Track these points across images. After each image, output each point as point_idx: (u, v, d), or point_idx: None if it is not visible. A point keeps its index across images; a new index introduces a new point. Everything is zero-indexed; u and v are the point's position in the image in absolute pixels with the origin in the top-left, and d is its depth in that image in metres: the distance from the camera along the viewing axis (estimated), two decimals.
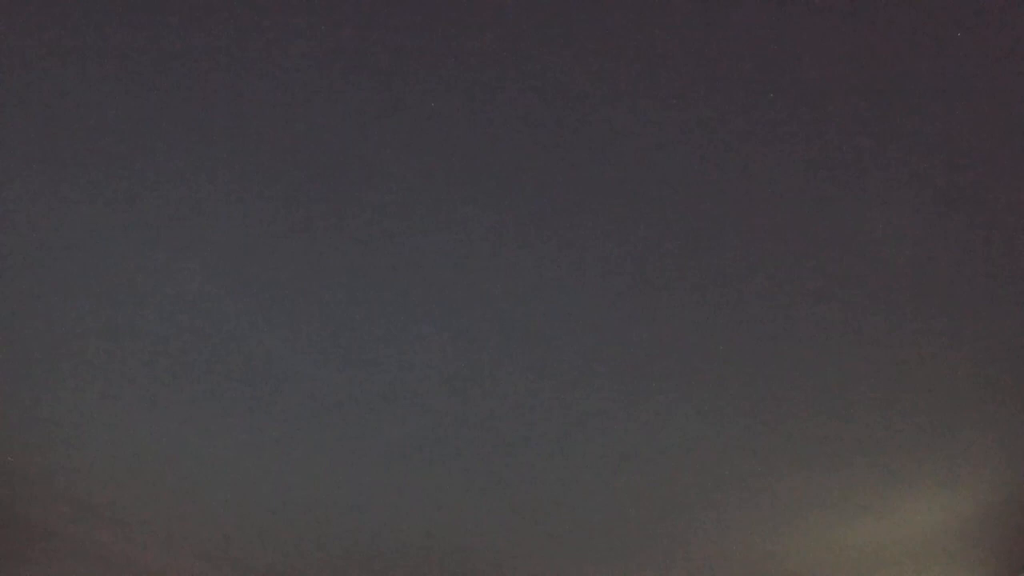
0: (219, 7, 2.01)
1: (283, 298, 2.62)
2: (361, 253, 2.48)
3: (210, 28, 2.04)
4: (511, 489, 3.25)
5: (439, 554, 3.70)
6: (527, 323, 2.61)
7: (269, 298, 2.62)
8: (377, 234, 2.42)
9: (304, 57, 2.08)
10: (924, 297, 2.39)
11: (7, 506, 3.56)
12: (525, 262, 2.45)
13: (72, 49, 2.09)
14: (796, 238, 2.29)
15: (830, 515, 3.16)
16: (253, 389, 2.92)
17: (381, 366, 2.79)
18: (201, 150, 2.28)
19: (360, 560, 3.83)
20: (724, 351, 2.62)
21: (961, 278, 2.34)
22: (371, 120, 2.18)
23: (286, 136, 2.24)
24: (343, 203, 2.36)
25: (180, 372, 2.89)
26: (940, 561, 3.32)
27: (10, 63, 2.13)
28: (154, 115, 2.21)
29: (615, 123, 2.12)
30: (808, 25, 1.92)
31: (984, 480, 2.93)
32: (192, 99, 2.18)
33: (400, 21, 2.00)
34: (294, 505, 3.52)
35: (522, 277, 2.49)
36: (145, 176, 2.35)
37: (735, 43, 1.97)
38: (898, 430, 2.79)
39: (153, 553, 3.94)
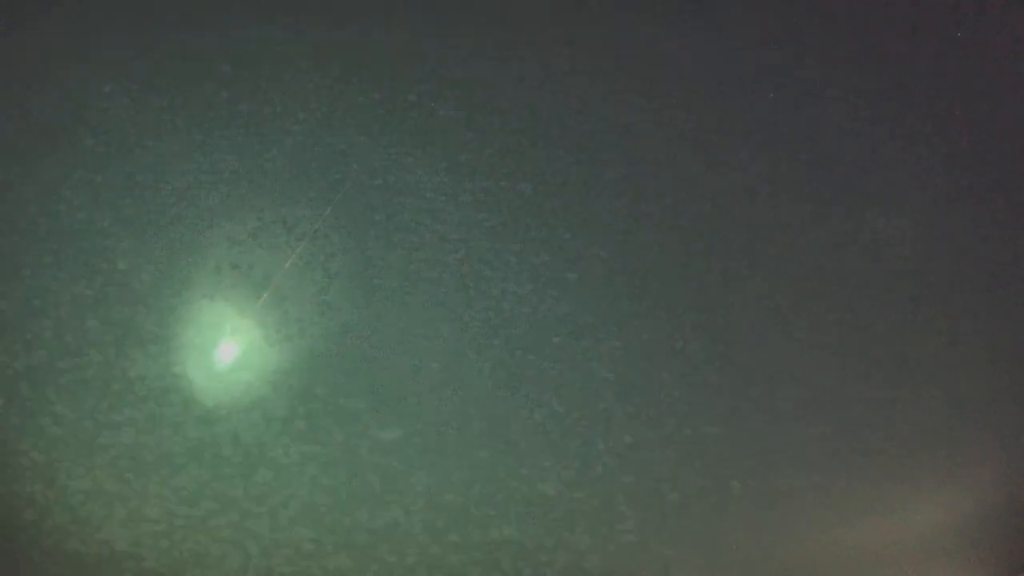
0: (220, 8, 2.01)
1: (283, 298, 2.62)
2: (361, 253, 2.48)
3: (211, 29, 2.04)
4: (509, 489, 3.25)
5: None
6: (527, 323, 2.61)
7: (269, 298, 2.62)
8: (378, 234, 2.42)
9: (304, 57, 2.08)
10: (924, 297, 2.39)
11: (7, 506, 3.55)
12: (525, 262, 2.45)
13: (72, 49, 2.09)
14: (796, 238, 2.29)
15: (830, 515, 3.16)
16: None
17: (381, 366, 2.79)
18: (201, 149, 2.28)
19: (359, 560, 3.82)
20: (724, 351, 2.61)
21: (961, 278, 2.33)
22: (371, 120, 2.18)
23: (286, 136, 2.24)
24: (343, 203, 2.36)
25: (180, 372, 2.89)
26: (940, 561, 3.32)
27: (10, 63, 2.12)
28: (155, 115, 2.21)
29: (615, 123, 2.12)
30: (808, 26, 1.92)
31: (984, 480, 2.92)
32: (193, 99, 2.18)
33: (400, 21, 2.00)
34: (294, 505, 3.51)
35: (522, 277, 2.49)
36: (145, 176, 2.35)
37: (735, 44, 1.96)
38: (898, 430, 2.79)
39: (153, 552, 3.93)
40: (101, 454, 2.77)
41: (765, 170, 2.18)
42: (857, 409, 2.75)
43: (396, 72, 2.10)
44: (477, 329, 2.67)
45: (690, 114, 2.10)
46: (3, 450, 2.89)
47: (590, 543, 3.50)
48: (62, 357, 2.87)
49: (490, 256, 2.46)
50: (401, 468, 3.11)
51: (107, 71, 2.23)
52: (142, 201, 2.47)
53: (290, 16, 2.38)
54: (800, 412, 2.78)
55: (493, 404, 2.89)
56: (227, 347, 2.67)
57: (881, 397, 2.70)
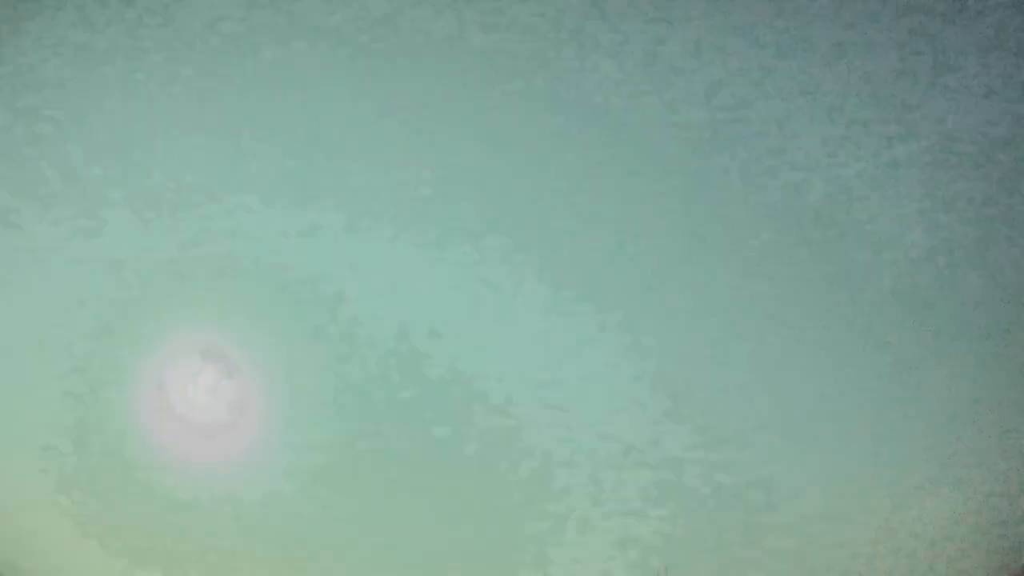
0: (221, 7, 2.01)
1: (283, 298, 2.62)
2: (362, 251, 2.48)
3: (212, 27, 2.04)
4: (507, 492, 3.24)
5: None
6: (526, 325, 2.61)
7: (269, 298, 2.62)
8: (377, 233, 2.43)
9: (303, 56, 2.08)
10: (924, 297, 2.39)
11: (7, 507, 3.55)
12: (524, 266, 2.45)
13: (74, 48, 2.09)
14: (796, 237, 2.29)
15: (830, 515, 3.16)
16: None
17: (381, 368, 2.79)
18: (202, 149, 2.28)
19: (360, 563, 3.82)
20: (724, 351, 2.62)
21: (961, 278, 2.34)
22: (370, 120, 2.18)
23: (288, 136, 2.24)
24: (344, 203, 2.36)
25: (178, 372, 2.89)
26: (940, 561, 3.32)
27: (12, 62, 2.13)
28: (155, 115, 2.22)
29: (616, 122, 2.12)
30: (808, 24, 1.92)
31: (984, 480, 2.93)
32: (193, 99, 2.18)
33: (401, 21, 2.00)
34: (293, 504, 3.51)
35: (522, 280, 2.49)
36: (144, 175, 2.35)
37: (735, 43, 1.97)
38: (898, 430, 2.79)
39: (152, 551, 3.93)
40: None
41: (766, 169, 2.18)
42: (857, 409, 2.75)
43: (396, 70, 2.10)
44: (474, 330, 2.67)
45: (691, 113, 2.10)
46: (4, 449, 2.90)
47: (589, 543, 3.50)
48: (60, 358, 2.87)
49: (494, 256, 2.46)
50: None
51: (106, 70, 2.24)
52: (142, 200, 2.47)
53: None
54: (800, 412, 2.78)
55: (493, 404, 2.89)
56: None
57: (881, 397, 2.70)
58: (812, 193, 2.21)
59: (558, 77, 2.08)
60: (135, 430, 2.75)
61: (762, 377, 2.69)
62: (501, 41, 2.04)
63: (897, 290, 2.39)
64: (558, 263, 2.44)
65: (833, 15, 1.94)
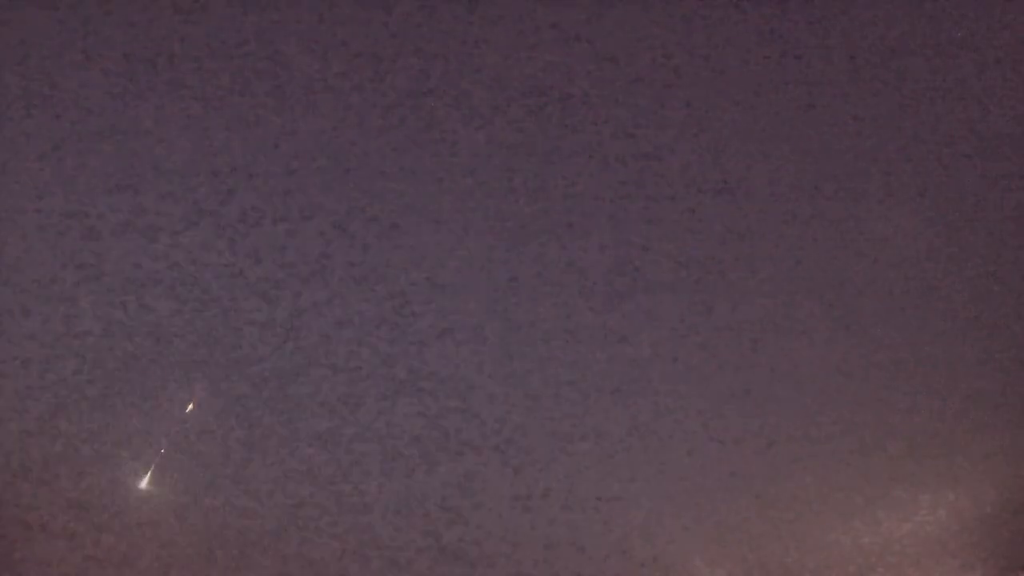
0: (221, 8, 2.01)
1: (284, 296, 2.62)
2: (362, 251, 2.48)
3: (212, 28, 2.04)
4: (506, 493, 3.25)
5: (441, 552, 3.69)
6: (527, 325, 2.61)
7: (270, 297, 2.63)
8: (377, 234, 2.43)
9: (303, 56, 2.08)
10: (924, 297, 2.40)
11: (7, 506, 3.55)
12: (523, 263, 2.45)
13: (75, 48, 2.09)
14: (797, 239, 2.29)
15: (830, 515, 3.16)
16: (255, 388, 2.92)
17: (381, 365, 2.80)
18: (202, 149, 2.29)
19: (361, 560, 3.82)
20: (725, 352, 2.62)
21: (961, 278, 2.34)
22: (371, 120, 2.18)
23: (289, 137, 2.24)
24: (345, 203, 2.36)
25: (180, 372, 2.90)
26: (940, 561, 3.32)
27: (12, 62, 2.13)
28: (156, 115, 2.22)
29: (615, 124, 2.12)
30: (809, 26, 1.93)
31: (984, 480, 2.93)
32: (193, 99, 2.18)
33: (401, 22, 2.01)
34: (293, 504, 3.51)
35: (521, 278, 2.49)
36: (146, 174, 2.36)
37: (737, 45, 1.97)
38: (898, 430, 2.79)
39: (153, 553, 3.93)
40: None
41: (768, 170, 2.18)
42: (857, 409, 2.75)
43: (396, 68, 2.10)
44: (472, 328, 2.67)
45: (692, 114, 2.10)
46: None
47: (590, 543, 3.50)
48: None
49: (488, 256, 2.47)
50: None
51: (105, 68, 2.24)
52: (139, 198, 2.48)
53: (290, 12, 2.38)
54: (801, 413, 2.79)
55: (494, 400, 2.89)
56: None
57: (882, 398, 2.70)
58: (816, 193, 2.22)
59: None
60: None
61: (763, 377, 2.68)
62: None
63: (896, 290, 2.39)
64: None
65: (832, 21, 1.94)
